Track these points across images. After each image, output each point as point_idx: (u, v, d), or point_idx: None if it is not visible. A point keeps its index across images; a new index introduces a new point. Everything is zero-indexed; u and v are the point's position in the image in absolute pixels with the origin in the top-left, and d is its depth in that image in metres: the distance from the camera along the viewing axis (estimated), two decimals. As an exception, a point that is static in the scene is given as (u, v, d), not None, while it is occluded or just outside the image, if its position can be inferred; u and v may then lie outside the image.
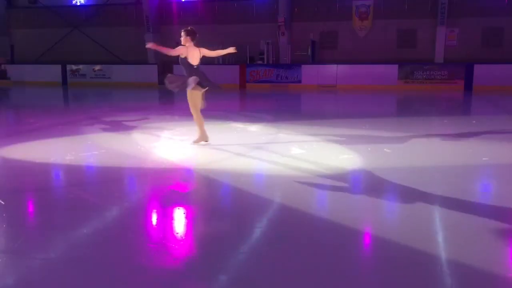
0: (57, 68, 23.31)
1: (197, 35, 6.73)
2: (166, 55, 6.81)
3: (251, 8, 22.94)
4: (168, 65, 19.15)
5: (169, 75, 7.16)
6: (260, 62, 21.75)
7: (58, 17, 25.04)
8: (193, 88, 6.57)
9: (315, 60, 21.70)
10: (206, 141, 6.94)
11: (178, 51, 6.58)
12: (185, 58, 6.58)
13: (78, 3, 25.40)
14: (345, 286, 2.77)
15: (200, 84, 6.61)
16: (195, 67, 6.65)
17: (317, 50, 22.06)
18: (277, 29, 21.88)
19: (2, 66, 24.65)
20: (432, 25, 20.77)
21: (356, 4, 21.50)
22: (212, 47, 7.16)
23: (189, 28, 6.77)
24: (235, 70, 20.85)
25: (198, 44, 6.80)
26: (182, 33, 6.68)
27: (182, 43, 6.68)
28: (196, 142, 6.93)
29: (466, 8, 20.39)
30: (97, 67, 23.01)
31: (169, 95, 15.91)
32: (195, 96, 6.66)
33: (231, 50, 6.90)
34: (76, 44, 25.12)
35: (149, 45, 6.69)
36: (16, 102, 17.06)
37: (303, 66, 20.33)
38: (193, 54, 6.63)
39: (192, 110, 6.76)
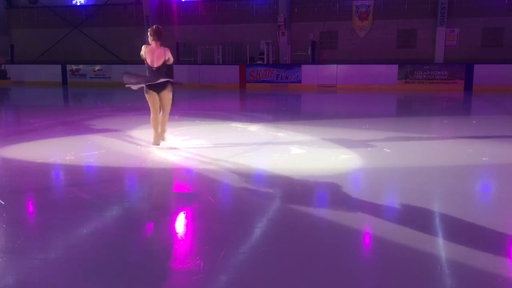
0: (57, 68, 23.31)
1: (160, 34, 6.77)
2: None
3: (251, 8, 22.97)
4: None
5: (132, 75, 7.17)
6: (260, 62, 21.76)
7: (58, 17, 25.07)
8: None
9: (315, 60, 21.73)
10: (157, 145, 6.85)
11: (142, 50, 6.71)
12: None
13: (78, 3, 25.44)
14: (345, 286, 2.77)
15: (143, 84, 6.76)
16: (154, 69, 6.72)
17: (317, 50, 22.10)
18: (277, 29, 21.90)
19: (2, 66, 24.66)
20: (432, 25, 20.80)
21: (356, 4, 21.54)
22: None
23: (153, 27, 6.76)
24: (235, 70, 20.85)
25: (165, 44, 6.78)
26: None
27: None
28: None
29: (466, 8, 20.43)
30: (97, 67, 23.01)
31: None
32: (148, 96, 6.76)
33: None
34: (76, 44, 25.16)
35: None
36: (16, 102, 17.05)
37: (303, 66, 20.34)
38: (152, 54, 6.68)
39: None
